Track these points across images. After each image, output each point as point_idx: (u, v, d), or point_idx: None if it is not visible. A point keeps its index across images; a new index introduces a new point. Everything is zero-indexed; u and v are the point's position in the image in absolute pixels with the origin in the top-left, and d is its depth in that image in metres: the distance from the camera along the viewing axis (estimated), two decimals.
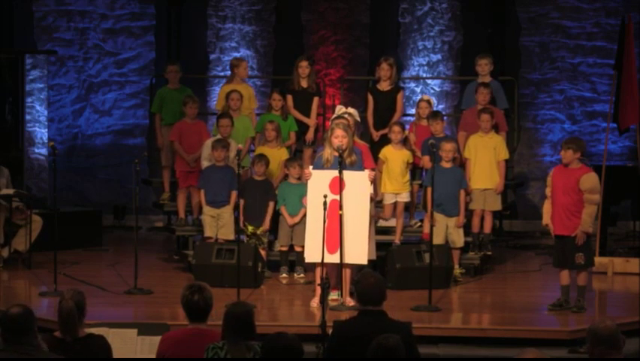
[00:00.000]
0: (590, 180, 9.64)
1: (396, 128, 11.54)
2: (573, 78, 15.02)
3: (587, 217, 9.59)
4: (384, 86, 12.15)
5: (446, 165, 11.11)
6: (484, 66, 12.39)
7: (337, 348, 6.39)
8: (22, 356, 5.59)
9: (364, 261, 9.67)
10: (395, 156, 11.50)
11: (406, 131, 11.78)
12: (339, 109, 10.48)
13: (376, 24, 15.12)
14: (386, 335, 5.72)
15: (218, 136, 11.61)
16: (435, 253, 10.35)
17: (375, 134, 12.03)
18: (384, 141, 11.79)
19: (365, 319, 6.44)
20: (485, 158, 11.61)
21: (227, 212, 11.32)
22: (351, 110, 10.46)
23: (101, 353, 6.11)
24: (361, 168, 9.87)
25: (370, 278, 6.53)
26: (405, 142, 11.73)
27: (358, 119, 10.61)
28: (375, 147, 11.61)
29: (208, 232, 11.27)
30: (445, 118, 12.42)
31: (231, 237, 11.19)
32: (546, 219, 9.84)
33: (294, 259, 11.30)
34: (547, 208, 9.84)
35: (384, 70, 12.07)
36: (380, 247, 10.72)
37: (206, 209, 11.29)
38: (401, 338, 5.80)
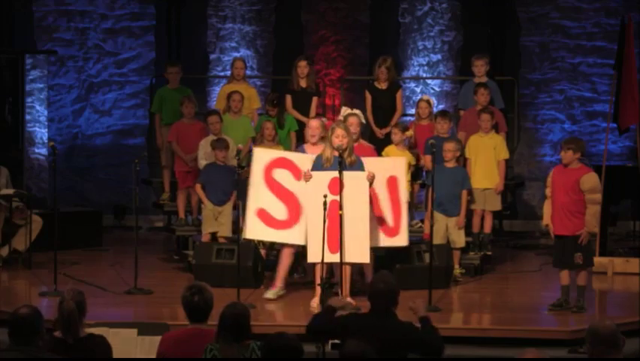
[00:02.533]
0: (591, 180, 9.63)
1: (394, 130, 11.57)
2: (573, 78, 15.01)
3: (590, 218, 9.59)
4: (382, 84, 12.17)
5: (449, 164, 11.11)
6: (480, 67, 12.40)
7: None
8: (29, 357, 5.60)
9: (367, 260, 9.73)
10: (396, 156, 11.50)
11: (409, 132, 11.77)
12: (345, 110, 10.53)
13: (376, 24, 15.12)
14: (351, 341, 5.66)
15: (213, 136, 11.63)
16: (435, 253, 10.35)
17: (379, 132, 12.06)
18: (388, 139, 11.80)
19: (374, 317, 6.43)
20: (485, 158, 11.61)
21: (227, 210, 11.33)
22: (356, 111, 10.52)
23: (101, 354, 6.11)
24: (361, 168, 9.88)
25: (380, 284, 6.51)
26: (409, 143, 11.73)
27: (364, 120, 10.65)
28: (380, 145, 11.63)
29: (207, 228, 11.26)
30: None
31: (229, 234, 11.21)
32: (546, 219, 9.84)
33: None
34: (547, 208, 9.84)
35: (383, 73, 12.11)
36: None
37: (209, 205, 11.29)
38: (408, 338, 5.80)
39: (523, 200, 14.72)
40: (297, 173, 9.99)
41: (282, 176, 10.04)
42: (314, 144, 10.20)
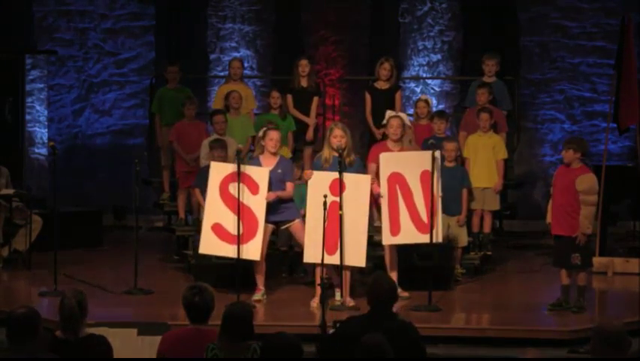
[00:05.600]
0: (587, 181, 9.59)
1: None
2: (573, 78, 15.01)
3: (583, 219, 9.55)
4: (382, 85, 12.17)
5: (449, 164, 11.11)
6: (491, 66, 12.42)
7: (340, 345, 6.38)
8: (27, 356, 5.60)
9: (362, 263, 9.72)
10: None
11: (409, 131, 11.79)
12: (389, 113, 10.46)
13: (376, 24, 15.12)
14: (369, 334, 5.71)
15: (215, 135, 11.62)
16: (435, 253, 10.34)
17: (378, 133, 12.05)
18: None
19: (373, 318, 6.43)
20: (484, 157, 11.62)
21: None
22: (402, 114, 10.47)
23: (102, 354, 6.12)
24: (360, 168, 9.88)
25: (385, 285, 6.51)
26: (409, 142, 11.74)
27: (408, 122, 10.60)
28: None
29: None
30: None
31: None
32: (549, 217, 9.84)
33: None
34: (550, 207, 9.84)
35: (386, 69, 12.08)
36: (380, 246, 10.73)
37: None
38: (409, 337, 5.80)
39: (523, 200, 14.70)
40: (254, 187, 9.83)
41: (237, 190, 9.82)
42: (273, 154, 10.09)
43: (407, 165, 9.97)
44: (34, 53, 14.86)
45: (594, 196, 9.74)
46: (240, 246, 9.77)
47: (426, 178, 9.89)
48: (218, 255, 10.09)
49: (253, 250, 9.84)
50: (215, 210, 9.91)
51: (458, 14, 15.04)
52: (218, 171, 9.99)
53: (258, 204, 9.84)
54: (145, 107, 14.91)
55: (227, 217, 9.85)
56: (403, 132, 10.24)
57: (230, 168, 9.97)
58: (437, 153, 9.94)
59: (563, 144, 9.89)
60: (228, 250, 9.86)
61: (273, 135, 10.00)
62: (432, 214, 9.90)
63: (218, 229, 9.88)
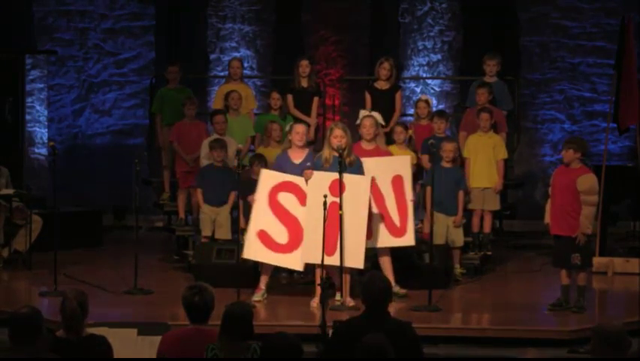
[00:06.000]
0: (587, 182, 9.59)
1: (399, 129, 11.57)
2: (573, 78, 15.02)
3: (584, 219, 9.55)
4: (382, 85, 12.17)
5: (447, 165, 11.12)
6: (492, 67, 12.41)
7: (338, 347, 6.38)
8: (29, 357, 5.60)
9: (361, 265, 9.71)
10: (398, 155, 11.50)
11: (410, 132, 11.79)
12: (363, 113, 10.51)
13: (376, 24, 15.12)
14: (370, 335, 5.71)
15: (216, 135, 11.62)
16: (435, 253, 10.35)
17: None
18: (388, 139, 11.80)
19: (369, 318, 6.43)
20: (484, 157, 11.62)
21: (225, 212, 11.32)
22: (375, 113, 10.51)
23: (102, 354, 6.12)
24: (360, 167, 9.88)
25: (379, 283, 6.50)
26: (410, 142, 11.75)
27: (382, 122, 10.62)
28: None
29: (206, 231, 11.27)
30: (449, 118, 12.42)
31: (228, 237, 11.21)
32: (547, 218, 9.84)
33: None
34: (548, 207, 9.84)
35: (386, 69, 12.08)
36: None
37: (205, 208, 11.29)
38: (406, 337, 5.80)
39: (523, 200, 14.71)
40: (302, 197, 9.87)
41: (286, 200, 9.90)
42: (301, 147, 10.15)
43: (378, 170, 9.99)
44: (34, 53, 14.86)
45: (594, 196, 9.74)
46: (285, 255, 9.87)
47: (397, 183, 10.00)
48: (261, 261, 10.08)
49: (296, 259, 9.87)
50: (262, 218, 9.91)
51: (458, 14, 15.04)
52: (269, 178, 9.97)
53: (305, 214, 9.85)
54: (145, 107, 14.91)
55: (275, 226, 9.89)
56: (376, 131, 10.30)
57: (280, 177, 9.96)
58: (409, 159, 10.26)
59: (562, 144, 9.89)
60: (272, 258, 9.92)
61: (299, 129, 10.08)
62: (431, 216, 9.92)
63: (263, 236, 9.90)
